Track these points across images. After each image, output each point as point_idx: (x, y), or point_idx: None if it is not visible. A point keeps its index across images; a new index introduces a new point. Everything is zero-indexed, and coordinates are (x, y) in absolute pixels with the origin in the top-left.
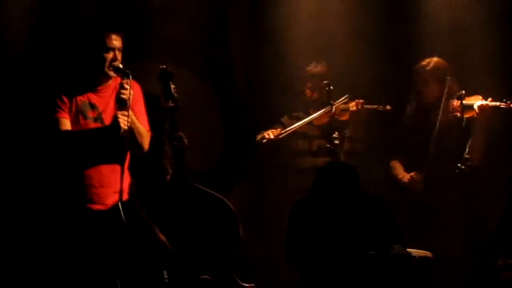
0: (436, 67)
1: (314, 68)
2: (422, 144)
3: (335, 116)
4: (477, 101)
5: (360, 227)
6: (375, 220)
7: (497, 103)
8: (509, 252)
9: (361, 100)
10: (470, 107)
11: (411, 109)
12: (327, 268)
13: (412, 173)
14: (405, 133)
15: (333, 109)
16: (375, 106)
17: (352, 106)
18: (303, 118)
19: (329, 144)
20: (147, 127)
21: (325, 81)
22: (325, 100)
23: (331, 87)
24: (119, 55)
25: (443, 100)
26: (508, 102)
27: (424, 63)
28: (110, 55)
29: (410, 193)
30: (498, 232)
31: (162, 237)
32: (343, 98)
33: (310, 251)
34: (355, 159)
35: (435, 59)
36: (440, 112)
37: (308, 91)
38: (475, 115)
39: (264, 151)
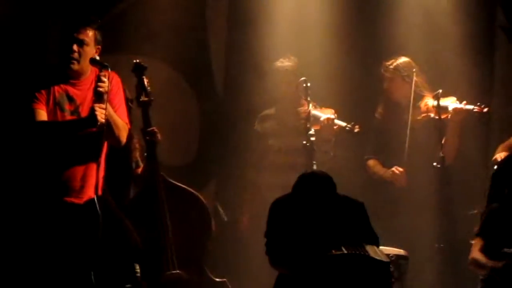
0: (399, 66)
1: (282, 63)
2: (396, 143)
3: (305, 113)
4: (451, 103)
5: (336, 226)
6: (351, 221)
7: (471, 107)
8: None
9: (333, 117)
10: (445, 108)
11: (380, 110)
12: (305, 265)
13: (393, 168)
14: (378, 134)
15: (310, 106)
16: (344, 125)
17: (323, 120)
18: (275, 115)
19: (305, 141)
20: (126, 120)
21: (302, 78)
22: (294, 97)
23: (309, 84)
24: (90, 49)
25: (411, 99)
26: (482, 106)
27: (388, 62)
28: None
29: (392, 189)
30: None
31: (136, 237)
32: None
33: (291, 248)
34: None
35: (400, 58)
36: (410, 110)
37: (278, 86)
38: (448, 117)
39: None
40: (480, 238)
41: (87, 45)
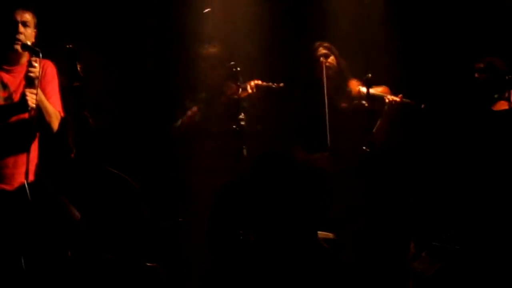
0: (332, 46)
1: (207, 50)
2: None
3: (234, 96)
4: (386, 94)
5: (286, 217)
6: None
7: (407, 101)
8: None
9: (259, 82)
10: (381, 99)
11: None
12: (245, 253)
13: (319, 153)
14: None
15: (240, 90)
16: (269, 84)
17: (252, 87)
18: (205, 100)
19: (235, 125)
20: (59, 108)
21: (232, 63)
22: (221, 82)
23: (238, 69)
24: (31, 32)
25: (324, 80)
26: (415, 101)
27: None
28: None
29: (319, 174)
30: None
31: (78, 215)
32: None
33: (232, 235)
34: (256, 141)
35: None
36: (325, 93)
37: (203, 72)
38: (383, 109)
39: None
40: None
41: (29, 27)
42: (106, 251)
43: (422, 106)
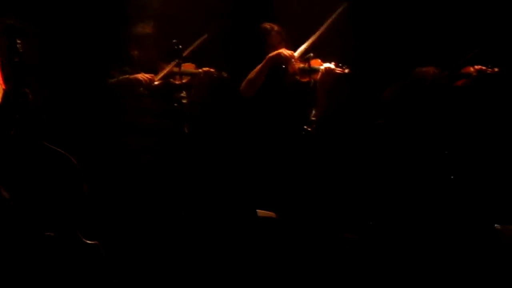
0: (280, 29)
1: (141, 29)
2: None
3: (170, 79)
4: (320, 65)
5: None
6: None
7: (333, 67)
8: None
9: (211, 69)
10: (315, 70)
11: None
12: None
13: None
14: None
15: (181, 68)
16: (213, 72)
17: (199, 73)
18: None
19: (176, 104)
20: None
21: (174, 40)
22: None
23: (180, 46)
24: None
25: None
26: (344, 67)
27: (269, 25)
28: None
29: None
30: None
31: (5, 194)
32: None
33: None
34: (192, 123)
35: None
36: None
37: (135, 52)
38: (317, 79)
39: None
40: None
41: None
42: (46, 229)
43: (346, 70)
